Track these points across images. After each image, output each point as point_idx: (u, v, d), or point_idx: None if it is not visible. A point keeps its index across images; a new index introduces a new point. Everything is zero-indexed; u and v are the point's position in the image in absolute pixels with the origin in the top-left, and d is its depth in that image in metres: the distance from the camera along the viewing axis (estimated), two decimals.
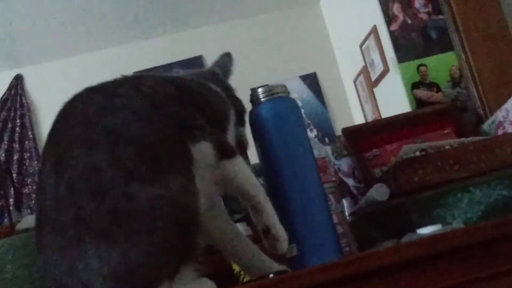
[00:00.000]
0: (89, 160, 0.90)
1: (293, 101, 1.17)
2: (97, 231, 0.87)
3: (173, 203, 0.91)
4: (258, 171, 1.55)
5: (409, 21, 3.15)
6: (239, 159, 1.04)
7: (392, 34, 3.26)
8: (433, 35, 3.05)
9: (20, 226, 1.36)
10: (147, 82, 1.03)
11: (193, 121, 1.01)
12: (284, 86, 1.17)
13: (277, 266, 1.08)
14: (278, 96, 1.16)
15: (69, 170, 0.90)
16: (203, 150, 1.00)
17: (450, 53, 2.49)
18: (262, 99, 1.16)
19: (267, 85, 1.18)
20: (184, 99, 1.03)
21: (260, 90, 1.16)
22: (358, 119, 4.46)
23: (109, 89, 1.01)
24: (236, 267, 1.20)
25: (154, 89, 1.02)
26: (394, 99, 3.47)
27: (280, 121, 1.13)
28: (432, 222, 1.13)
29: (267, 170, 1.14)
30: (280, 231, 1.02)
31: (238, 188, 1.04)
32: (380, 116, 3.96)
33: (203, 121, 1.02)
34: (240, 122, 1.17)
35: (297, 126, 1.15)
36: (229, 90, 1.19)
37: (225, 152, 1.03)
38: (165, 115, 0.98)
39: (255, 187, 1.04)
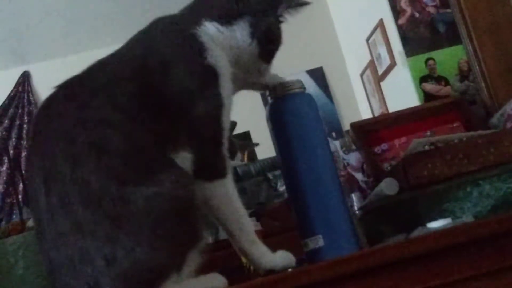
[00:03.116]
0: (76, 174, 0.91)
1: (309, 96, 1.17)
2: (98, 236, 0.88)
3: (169, 197, 0.92)
4: (274, 164, 1.55)
5: (417, 15, 3.13)
6: (220, 183, 1.01)
7: (400, 28, 3.25)
8: (441, 28, 3.04)
9: (31, 222, 1.36)
10: (120, 91, 0.99)
11: (169, 133, 0.99)
12: (301, 81, 1.18)
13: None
14: (295, 92, 1.16)
15: (57, 185, 0.92)
16: (181, 162, 0.99)
17: (458, 47, 2.48)
18: (279, 95, 1.16)
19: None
20: (158, 101, 1.00)
21: (277, 85, 1.16)
22: (365, 114, 4.45)
23: (81, 99, 0.99)
24: (244, 259, 1.20)
25: (128, 100, 0.98)
26: (401, 93, 3.46)
27: (298, 116, 1.14)
28: (442, 216, 1.13)
29: (285, 164, 1.14)
30: (254, 254, 1.01)
31: (210, 211, 1.02)
32: (387, 110, 3.94)
33: (186, 127, 1.00)
34: (264, 56, 1.12)
35: (314, 121, 1.15)
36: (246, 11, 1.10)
37: (205, 173, 1.01)
38: (142, 129, 0.97)
39: (228, 215, 1.02)
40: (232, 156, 1.82)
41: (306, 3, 1.14)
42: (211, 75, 1.03)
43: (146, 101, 0.99)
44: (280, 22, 1.13)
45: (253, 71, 1.12)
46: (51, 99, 1.02)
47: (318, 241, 1.08)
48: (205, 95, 1.02)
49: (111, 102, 0.97)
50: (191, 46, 1.04)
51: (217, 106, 1.03)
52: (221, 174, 1.02)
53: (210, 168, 1.02)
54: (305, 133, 1.13)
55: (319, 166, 1.12)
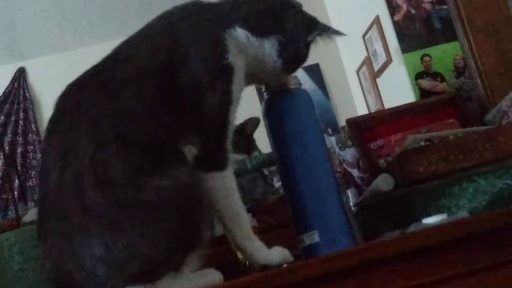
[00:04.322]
0: (97, 156, 0.91)
1: (305, 92, 1.17)
2: (103, 221, 0.88)
3: (180, 193, 0.92)
4: (270, 160, 1.55)
5: (413, 11, 3.14)
6: (219, 174, 1.02)
7: (396, 24, 3.25)
8: (437, 25, 3.04)
9: (26, 218, 1.37)
10: (146, 84, 1.01)
11: (181, 125, 1.00)
12: (296, 77, 1.18)
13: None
14: (291, 88, 1.16)
15: (75, 163, 0.92)
16: (189, 154, 1.00)
17: (454, 43, 2.48)
18: (276, 90, 1.16)
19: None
20: (177, 94, 1.01)
21: (273, 81, 1.16)
22: (361, 110, 4.45)
23: (113, 90, 1.00)
24: (240, 254, 1.20)
25: (152, 94, 1.00)
26: (397, 90, 3.46)
27: (293, 112, 1.14)
28: (437, 212, 1.14)
29: (280, 160, 1.14)
30: (249, 249, 1.02)
31: (211, 201, 1.02)
32: (383, 106, 3.95)
33: (195, 121, 1.01)
34: (287, 70, 1.13)
35: (310, 117, 1.15)
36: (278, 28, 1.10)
37: (205, 163, 1.02)
38: (161, 122, 0.98)
39: (226, 208, 1.02)
40: (249, 153, 1.81)
41: (339, 33, 1.16)
42: (226, 71, 1.05)
43: (166, 94, 1.00)
44: (310, 45, 1.15)
45: (271, 78, 1.14)
46: (82, 84, 1.02)
47: (313, 237, 1.08)
48: (216, 90, 1.03)
49: (138, 95, 0.99)
50: (215, 48, 1.05)
51: (227, 102, 1.04)
52: (221, 166, 1.02)
53: (210, 159, 1.02)
54: (301, 130, 1.13)
55: (314, 162, 1.12)
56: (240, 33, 1.07)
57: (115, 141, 0.93)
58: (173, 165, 0.95)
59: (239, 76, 1.06)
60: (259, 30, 1.08)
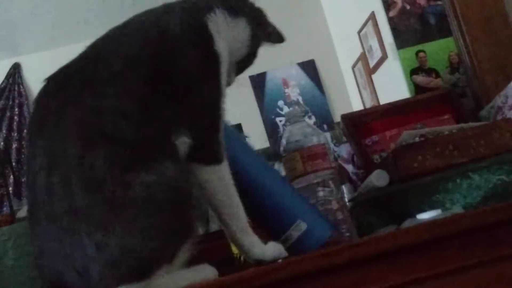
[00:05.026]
0: (84, 158, 0.91)
1: (228, 127, 1.15)
2: (92, 221, 0.88)
3: (168, 188, 0.92)
4: (265, 155, 1.55)
5: (408, 7, 3.13)
6: (216, 168, 1.02)
7: (390, 20, 3.24)
8: (432, 20, 3.04)
9: (21, 214, 1.36)
10: (134, 77, 0.99)
11: (173, 118, 0.99)
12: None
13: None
14: None
15: (62, 165, 0.91)
16: (181, 146, 0.99)
17: (449, 39, 2.48)
18: None
19: None
20: (167, 85, 1.00)
21: None
22: (357, 106, 4.45)
23: (97, 87, 0.98)
24: (235, 250, 1.20)
25: (141, 87, 0.98)
26: (392, 86, 3.46)
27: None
28: (432, 208, 1.14)
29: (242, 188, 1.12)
30: (245, 243, 1.02)
31: (205, 196, 1.03)
32: (378, 103, 3.95)
33: (187, 112, 1.01)
34: (242, 64, 1.15)
35: (240, 149, 1.16)
36: (250, 15, 1.14)
37: (202, 156, 1.01)
38: (152, 116, 0.97)
39: (222, 201, 1.02)
40: None
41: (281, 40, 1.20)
42: (214, 62, 1.05)
43: (157, 86, 0.99)
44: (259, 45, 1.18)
45: (230, 72, 1.13)
46: (61, 81, 1.00)
47: (301, 226, 1.08)
48: (208, 82, 1.03)
49: (126, 91, 0.97)
50: (200, 35, 1.05)
51: (218, 94, 1.04)
52: (218, 159, 1.02)
53: (207, 152, 1.02)
54: (239, 163, 1.11)
55: (263, 176, 1.14)
56: (219, 14, 1.08)
57: (102, 141, 0.92)
58: (161, 160, 0.94)
59: (224, 68, 1.06)
60: (233, 10, 1.10)
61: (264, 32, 1.16)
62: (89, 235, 0.88)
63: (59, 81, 1.01)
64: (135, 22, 1.07)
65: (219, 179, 1.02)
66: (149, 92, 0.98)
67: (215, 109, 1.04)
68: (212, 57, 1.04)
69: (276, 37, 1.19)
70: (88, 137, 0.93)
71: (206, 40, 1.05)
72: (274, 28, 1.18)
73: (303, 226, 1.08)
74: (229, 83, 1.12)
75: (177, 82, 1.01)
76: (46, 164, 0.93)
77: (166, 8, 1.09)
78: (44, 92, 1.01)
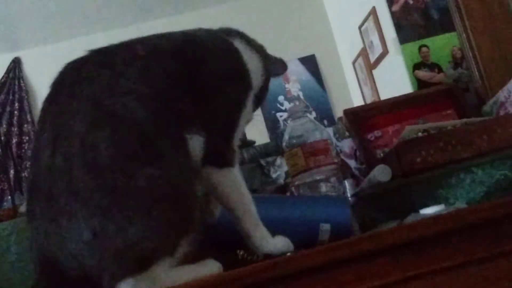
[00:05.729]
0: (89, 138, 0.89)
1: None
2: (90, 205, 0.87)
3: (171, 183, 0.92)
4: (267, 151, 1.55)
5: (411, 2, 3.13)
6: (229, 171, 1.05)
7: (393, 15, 3.24)
8: (435, 15, 3.04)
9: (23, 208, 1.36)
10: (156, 65, 0.99)
11: (190, 115, 1.00)
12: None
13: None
14: None
15: (67, 143, 0.90)
16: (194, 144, 0.99)
17: (451, 34, 2.48)
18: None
19: None
20: (191, 82, 1.01)
21: None
22: (357, 101, 4.45)
23: (118, 66, 0.98)
24: (239, 252, 1.21)
25: (162, 76, 0.99)
26: (393, 81, 3.46)
27: None
28: (435, 203, 1.14)
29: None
30: (256, 237, 1.04)
31: (219, 196, 1.06)
32: (379, 98, 3.95)
33: (207, 113, 1.02)
34: (259, 100, 1.17)
35: None
36: (260, 49, 1.18)
37: (216, 160, 1.04)
38: (168, 107, 0.97)
39: (236, 200, 1.05)
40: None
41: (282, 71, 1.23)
42: (247, 76, 1.10)
43: (180, 80, 1.00)
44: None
45: (251, 104, 1.15)
46: (82, 62, 0.99)
47: (325, 228, 1.12)
48: (234, 90, 1.07)
49: (145, 74, 0.97)
50: (229, 49, 1.10)
51: (240, 105, 1.08)
52: (231, 163, 1.05)
53: (221, 156, 1.04)
54: None
55: (269, 209, 1.15)
56: (241, 43, 1.14)
57: (110, 119, 0.91)
58: (169, 154, 0.94)
59: (252, 94, 1.11)
60: (249, 43, 1.16)
61: (271, 64, 1.19)
62: (86, 219, 0.86)
63: (78, 61, 1.00)
64: (161, 35, 1.09)
65: (233, 181, 1.05)
66: (170, 84, 0.98)
67: (234, 118, 1.07)
68: (244, 71, 1.09)
69: (281, 67, 1.22)
70: (95, 114, 0.91)
71: (235, 52, 1.10)
72: (276, 59, 1.22)
73: (327, 226, 1.10)
74: (248, 120, 1.15)
75: (203, 82, 1.02)
76: (51, 141, 0.91)
77: (189, 30, 1.12)
78: (60, 72, 1.00)
